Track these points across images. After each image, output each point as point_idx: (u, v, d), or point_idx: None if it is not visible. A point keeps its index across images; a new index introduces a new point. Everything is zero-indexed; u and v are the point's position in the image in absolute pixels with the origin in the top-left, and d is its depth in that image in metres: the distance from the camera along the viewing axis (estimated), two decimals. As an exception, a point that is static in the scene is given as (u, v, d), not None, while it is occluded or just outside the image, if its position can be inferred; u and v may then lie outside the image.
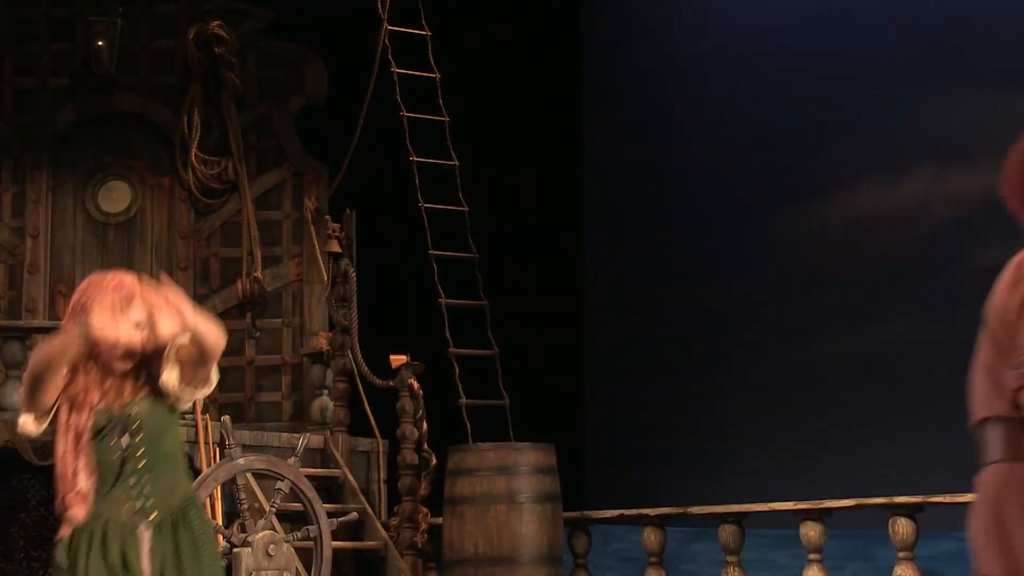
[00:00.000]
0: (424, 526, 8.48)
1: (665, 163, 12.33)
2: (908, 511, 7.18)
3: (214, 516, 7.95)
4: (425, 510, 8.50)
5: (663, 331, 11.92)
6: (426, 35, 9.69)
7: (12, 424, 8.22)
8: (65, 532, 3.77)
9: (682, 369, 11.75)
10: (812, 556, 7.50)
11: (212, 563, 3.91)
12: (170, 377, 3.92)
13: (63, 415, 3.81)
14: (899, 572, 7.14)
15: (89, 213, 10.71)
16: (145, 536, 3.80)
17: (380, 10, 9.60)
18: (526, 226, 11.51)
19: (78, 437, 3.78)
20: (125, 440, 3.83)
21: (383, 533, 8.63)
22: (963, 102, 10.49)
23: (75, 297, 3.92)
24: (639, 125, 12.61)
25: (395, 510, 8.70)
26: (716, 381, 11.61)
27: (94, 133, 10.80)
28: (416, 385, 8.61)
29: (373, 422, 9.35)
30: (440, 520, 8.16)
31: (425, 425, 8.56)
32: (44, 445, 8.23)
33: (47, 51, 10.82)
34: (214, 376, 4.12)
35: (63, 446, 3.79)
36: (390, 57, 9.51)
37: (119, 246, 10.70)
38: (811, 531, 7.48)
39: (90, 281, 3.92)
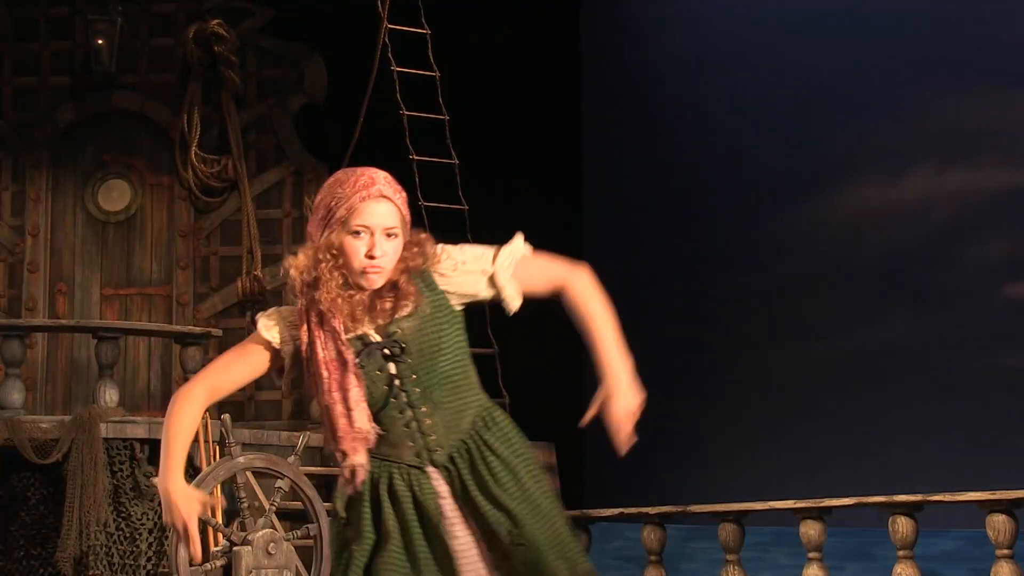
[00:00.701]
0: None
1: (664, 163, 12.33)
2: (908, 510, 7.18)
3: (214, 515, 7.95)
4: (425, 509, 8.49)
5: (662, 330, 11.92)
6: (426, 34, 9.69)
7: (12, 422, 8.24)
8: (353, 480, 3.11)
9: (682, 368, 11.75)
10: (812, 555, 7.50)
11: (532, 479, 3.12)
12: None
13: (316, 344, 3.05)
14: (899, 571, 7.14)
15: (89, 211, 10.71)
16: (438, 481, 3.10)
17: (380, 9, 9.60)
18: (526, 225, 11.50)
19: (341, 365, 3.03)
20: (391, 367, 3.07)
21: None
22: (963, 102, 10.49)
23: (320, 198, 3.11)
24: (639, 125, 12.61)
25: (395, 509, 8.68)
26: (716, 380, 11.61)
27: (94, 132, 10.81)
28: (416, 384, 8.60)
29: (373, 421, 9.33)
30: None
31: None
32: (43, 444, 8.23)
33: (47, 50, 10.83)
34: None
35: (326, 379, 3.04)
36: (390, 56, 9.51)
37: (119, 245, 10.71)
38: (811, 530, 7.48)
39: (335, 179, 3.12)
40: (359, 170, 3.11)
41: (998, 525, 6.80)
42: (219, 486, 7.85)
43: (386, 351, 3.07)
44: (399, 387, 3.08)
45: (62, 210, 10.70)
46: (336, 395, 3.03)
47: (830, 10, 11.48)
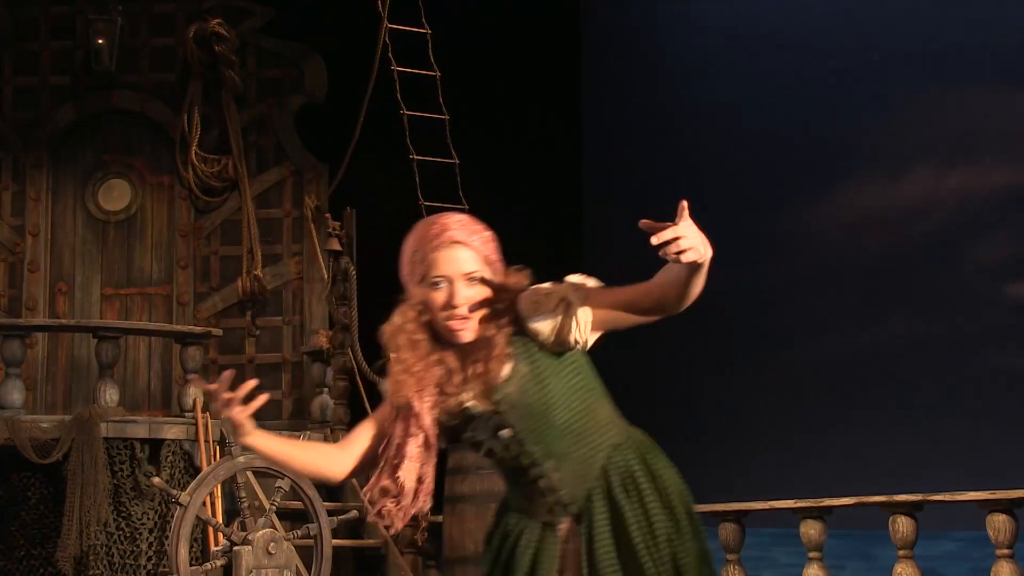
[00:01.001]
0: (424, 524, 8.48)
1: (664, 162, 12.33)
2: (908, 509, 7.18)
3: (214, 514, 7.95)
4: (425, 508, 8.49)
5: (662, 331, 11.93)
6: (426, 33, 9.69)
7: (12, 422, 8.24)
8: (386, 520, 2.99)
9: (682, 368, 11.75)
10: (812, 554, 7.50)
11: (658, 537, 2.93)
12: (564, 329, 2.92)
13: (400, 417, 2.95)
14: (899, 570, 7.14)
15: (89, 211, 10.71)
16: (570, 530, 2.97)
17: (380, 8, 9.59)
18: (527, 225, 11.50)
19: (418, 433, 2.94)
20: (506, 433, 2.94)
21: (383, 531, 8.63)
22: (963, 102, 10.49)
23: (403, 255, 2.98)
24: (638, 125, 12.61)
25: (395, 508, 8.68)
26: (716, 380, 11.61)
27: (94, 131, 10.80)
28: (416, 383, 8.60)
29: (373, 420, 9.33)
30: (440, 518, 8.16)
31: (425, 423, 8.54)
32: (44, 444, 8.23)
33: (47, 49, 10.83)
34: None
35: (399, 439, 2.95)
36: (390, 55, 9.50)
37: (119, 244, 10.70)
38: (811, 529, 7.48)
39: (412, 232, 2.98)
40: (432, 219, 2.97)
41: (998, 525, 6.79)
42: (219, 486, 7.85)
43: (492, 422, 2.94)
44: (519, 448, 2.95)
45: (62, 210, 10.70)
46: (395, 463, 2.95)
47: (830, 10, 11.49)
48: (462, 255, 2.91)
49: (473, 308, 2.89)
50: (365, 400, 9.38)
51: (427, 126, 9.49)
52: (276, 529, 7.41)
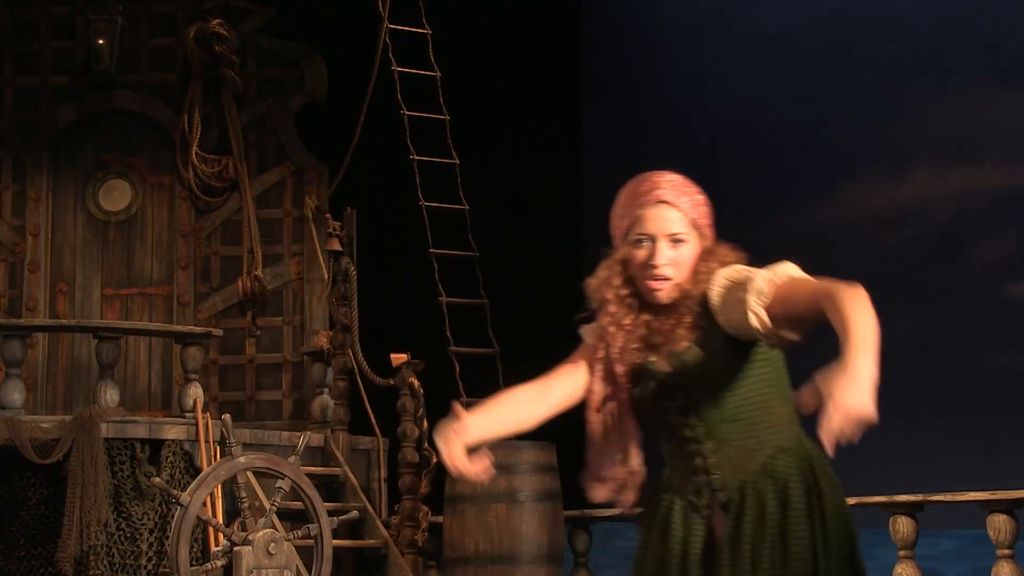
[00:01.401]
0: (424, 524, 8.48)
1: (664, 164, 12.32)
2: (908, 509, 7.19)
3: (214, 514, 7.96)
4: (426, 508, 8.51)
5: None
6: (426, 34, 9.69)
7: (13, 422, 8.23)
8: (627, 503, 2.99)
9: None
10: (812, 555, 7.49)
11: (797, 559, 2.78)
12: (756, 312, 2.79)
13: (599, 360, 2.93)
14: (899, 571, 7.14)
15: (89, 211, 10.71)
16: (717, 519, 2.87)
17: (380, 8, 9.59)
18: (526, 226, 11.50)
19: (619, 393, 2.91)
20: (675, 402, 2.89)
21: (384, 531, 8.63)
22: (963, 102, 10.49)
23: (617, 206, 2.95)
24: (638, 125, 12.61)
25: (395, 508, 8.70)
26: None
27: (94, 131, 10.81)
28: (416, 383, 8.61)
29: (374, 420, 9.35)
30: (441, 518, 8.16)
31: (426, 423, 8.56)
32: (44, 444, 8.23)
33: (47, 49, 10.83)
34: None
35: (602, 401, 2.93)
36: (390, 55, 9.50)
37: (120, 244, 10.71)
38: (811, 530, 7.48)
39: (622, 190, 2.95)
40: (644, 176, 2.97)
41: (999, 525, 6.80)
42: (220, 486, 7.85)
43: (664, 385, 2.88)
44: (683, 420, 2.89)
45: (63, 210, 10.70)
46: (613, 421, 2.94)
47: (830, 10, 11.48)
48: (669, 215, 2.89)
49: (673, 269, 2.87)
50: (365, 400, 9.39)
51: (427, 126, 9.49)
52: (276, 529, 7.40)
